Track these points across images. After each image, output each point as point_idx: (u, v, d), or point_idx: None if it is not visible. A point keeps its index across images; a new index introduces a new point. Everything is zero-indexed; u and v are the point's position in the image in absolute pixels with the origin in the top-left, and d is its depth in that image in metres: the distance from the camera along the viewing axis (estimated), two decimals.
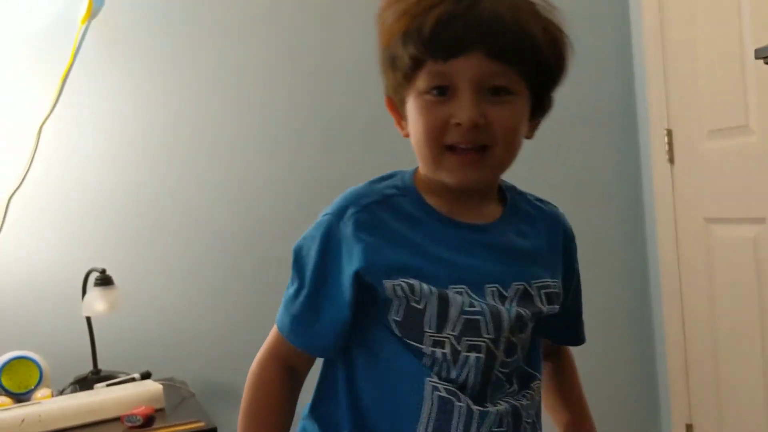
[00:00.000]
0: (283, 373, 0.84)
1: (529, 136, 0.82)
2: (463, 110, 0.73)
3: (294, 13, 1.92)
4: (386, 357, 0.79)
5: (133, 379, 1.62)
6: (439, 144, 0.76)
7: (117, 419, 1.44)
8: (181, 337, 1.84)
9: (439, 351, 0.77)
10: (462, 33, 0.72)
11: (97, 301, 1.62)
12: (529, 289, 0.80)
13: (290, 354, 0.83)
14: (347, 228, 0.78)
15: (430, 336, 0.77)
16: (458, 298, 0.77)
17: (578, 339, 0.93)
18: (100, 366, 1.68)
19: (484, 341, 0.77)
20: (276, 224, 1.89)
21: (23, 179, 1.76)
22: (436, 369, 0.78)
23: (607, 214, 2.12)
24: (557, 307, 0.82)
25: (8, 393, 1.59)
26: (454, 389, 0.78)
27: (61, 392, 1.63)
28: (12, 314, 1.74)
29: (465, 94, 0.74)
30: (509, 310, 0.78)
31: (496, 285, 0.78)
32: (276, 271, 1.87)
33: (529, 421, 0.82)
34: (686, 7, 1.89)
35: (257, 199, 1.90)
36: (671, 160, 1.98)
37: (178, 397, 1.62)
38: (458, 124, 0.74)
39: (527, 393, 0.82)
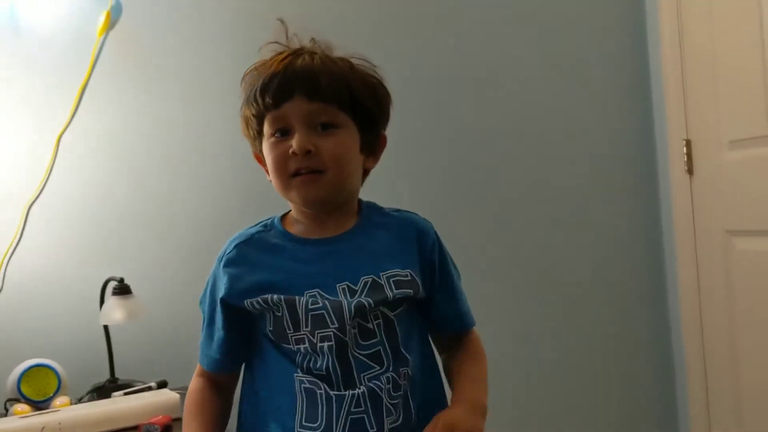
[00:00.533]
0: (204, 384, 1.08)
1: (369, 166, 1.02)
2: (296, 141, 0.93)
3: (312, 28, 1.91)
4: (268, 362, 0.99)
5: (149, 388, 1.63)
6: (285, 172, 0.96)
7: (135, 428, 1.45)
8: (196, 347, 1.83)
9: (301, 347, 0.95)
10: (284, 84, 0.94)
11: (115, 310, 1.63)
12: (377, 279, 0.96)
13: (205, 371, 1.08)
14: (219, 267, 1.02)
15: (292, 336, 0.95)
16: (303, 300, 0.95)
17: (459, 322, 1.05)
18: (116, 374, 1.69)
19: (331, 331, 0.94)
20: None
21: (42, 188, 1.78)
22: (305, 363, 0.95)
23: (624, 227, 2.10)
24: (409, 291, 0.96)
25: (27, 400, 1.60)
26: (315, 379, 0.94)
27: (80, 400, 1.64)
28: (30, 322, 1.75)
29: (298, 130, 0.94)
30: (350, 302, 0.94)
31: (346, 282, 0.96)
32: None
33: (394, 402, 0.95)
34: (706, 13, 1.87)
35: (277, 211, 1.90)
36: (690, 171, 1.95)
37: None
38: (295, 153, 0.94)
39: (392, 375, 0.95)
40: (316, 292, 0.95)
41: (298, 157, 0.94)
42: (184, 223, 1.86)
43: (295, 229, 1.02)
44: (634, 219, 2.10)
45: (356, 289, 0.96)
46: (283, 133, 0.96)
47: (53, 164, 1.78)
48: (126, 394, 1.58)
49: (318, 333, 0.95)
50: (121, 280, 1.65)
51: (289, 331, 0.96)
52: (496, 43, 2.02)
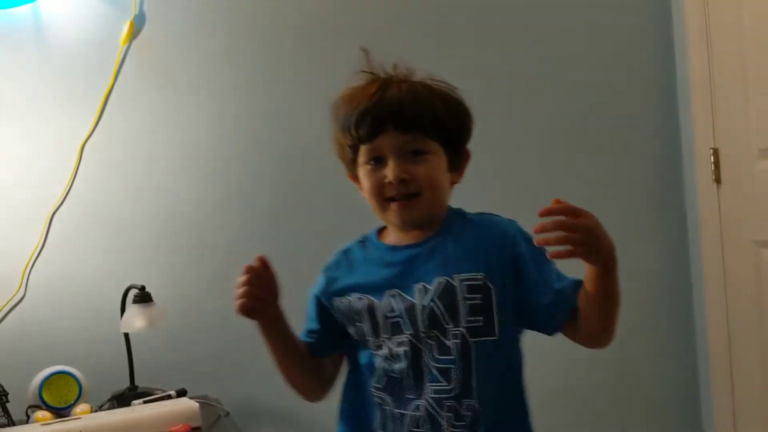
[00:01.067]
0: None
1: (456, 181, 1.09)
2: (391, 171, 1.02)
3: (336, 38, 1.92)
4: (355, 364, 1.10)
5: (169, 397, 1.63)
6: (381, 197, 1.05)
7: None
8: (215, 356, 1.84)
9: (380, 353, 1.04)
10: (377, 119, 1.02)
11: (135, 318, 1.63)
12: (451, 281, 1.01)
13: None
14: (322, 271, 1.15)
15: (372, 342, 1.05)
16: (382, 305, 1.04)
17: (547, 325, 1.05)
18: (136, 382, 1.70)
19: (406, 337, 1.02)
20: (316, 244, 1.88)
21: (65, 196, 1.79)
22: (383, 366, 1.04)
23: (650, 238, 2.06)
24: (479, 296, 1.01)
25: (48, 407, 1.61)
26: (384, 394, 1.04)
27: (100, 408, 1.65)
28: (52, 329, 1.77)
29: (392, 159, 1.03)
30: (423, 305, 1.02)
31: (422, 283, 1.03)
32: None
33: (455, 431, 1.00)
34: (734, 17, 1.83)
35: (297, 220, 1.90)
36: (718, 180, 1.91)
37: (213, 415, 1.62)
38: (390, 182, 1.03)
39: (455, 404, 1.00)
40: (395, 292, 1.04)
41: (393, 185, 1.03)
42: (206, 231, 1.86)
43: (387, 239, 1.11)
44: (659, 229, 2.06)
45: (430, 288, 1.02)
46: (377, 161, 1.05)
47: (76, 172, 1.80)
48: (146, 402, 1.58)
49: (395, 339, 1.03)
50: (142, 288, 1.65)
51: (369, 338, 1.06)
52: (523, 49, 2.00)
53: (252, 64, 1.89)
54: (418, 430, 1.02)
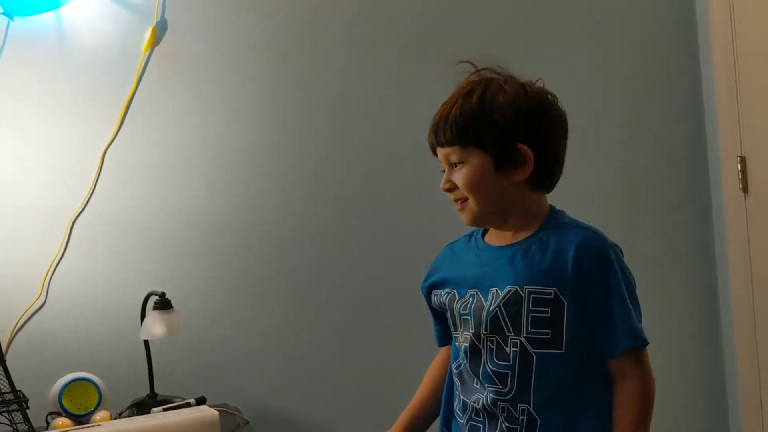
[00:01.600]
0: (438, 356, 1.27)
1: (520, 178, 1.09)
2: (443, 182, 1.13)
3: (354, 41, 1.92)
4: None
5: (188, 404, 1.62)
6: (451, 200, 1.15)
7: None
8: (235, 364, 1.83)
9: (455, 344, 1.13)
10: (430, 143, 1.13)
11: (155, 325, 1.62)
12: (520, 292, 1.05)
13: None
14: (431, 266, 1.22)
15: (453, 334, 1.14)
16: (460, 303, 1.11)
17: (611, 348, 1.05)
18: (156, 389, 1.69)
19: (468, 334, 1.09)
20: (336, 250, 1.89)
21: (86, 203, 1.80)
22: (456, 359, 1.13)
23: (676, 247, 2.03)
24: (547, 310, 1.04)
25: (68, 414, 1.61)
26: (456, 380, 1.14)
27: (120, 415, 1.64)
28: (72, 335, 1.77)
29: (445, 169, 1.12)
30: (489, 311, 1.07)
31: (496, 288, 1.07)
32: (336, 298, 1.90)
33: (511, 427, 1.05)
34: (760, 25, 1.81)
35: (318, 226, 1.89)
36: (745, 189, 1.88)
37: (232, 423, 1.61)
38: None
39: (509, 405, 1.05)
40: (475, 291, 1.10)
41: (449, 193, 1.13)
42: (227, 238, 1.85)
43: (488, 239, 1.16)
44: (685, 239, 2.03)
45: (500, 294, 1.07)
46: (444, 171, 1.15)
47: (98, 179, 1.80)
48: (165, 410, 1.58)
49: (463, 334, 1.11)
50: (162, 295, 1.65)
51: (451, 329, 1.15)
52: (546, 54, 1.97)
53: (273, 71, 1.88)
54: (478, 419, 1.09)
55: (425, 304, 1.21)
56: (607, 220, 1.97)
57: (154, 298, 1.66)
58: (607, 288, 1.04)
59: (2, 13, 1.70)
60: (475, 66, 1.12)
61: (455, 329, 1.13)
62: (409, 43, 1.94)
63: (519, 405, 1.04)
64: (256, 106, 1.88)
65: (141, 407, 1.64)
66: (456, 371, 1.14)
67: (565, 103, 1.99)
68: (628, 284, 1.06)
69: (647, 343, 1.05)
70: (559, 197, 1.93)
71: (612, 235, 2.08)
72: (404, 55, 1.94)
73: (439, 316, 1.19)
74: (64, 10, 1.78)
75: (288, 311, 1.88)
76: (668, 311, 1.99)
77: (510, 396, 1.05)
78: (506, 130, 1.07)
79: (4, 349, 1.60)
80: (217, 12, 1.87)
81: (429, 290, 1.18)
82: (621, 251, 1.09)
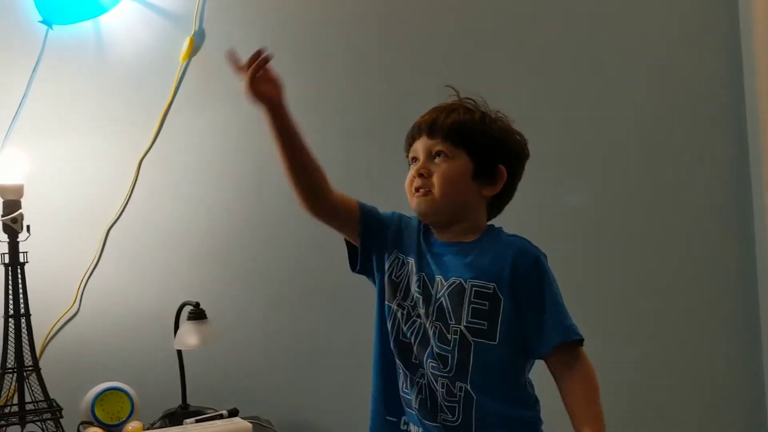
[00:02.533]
0: None
1: (488, 194, 1.20)
2: (416, 166, 1.19)
3: (393, 52, 1.91)
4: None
5: (221, 416, 1.60)
6: (410, 191, 1.20)
7: None
8: (268, 376, 1.81)
9: (398, 312, 1.18)
10: (414, 129, 1.21)
11: (189, 335, 1.61)
12: (463, 284, 1.14)
13: None
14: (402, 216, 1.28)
15: (397, 301, 1.19)
16: (414, 279, 1.18)
17: (544, 344, 1.14)
18: (188, 400, 1.67)
19: (418, 316, 1.16)
20: None
21: (122, 211, 1.79)
22: (399, 327, 1.18)
23: (717, 242, 2.00)
24: (485, 303, 1.13)
25: (100, 424, 1.60)
26: (396, 359, 1.19)
27: (152, 425, 1.63)
28: (105, 344, 1.76)
29: (420, 158, 1.19)
30: (437, 298, 1.15)
31: (440, 276, 1.16)
32: (372, 313, 1.87)
33: (449, 405, 1.12)
34: None
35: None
36: None
37: None
38: (413, 176, 1.20)
39: (447, 382, 1.12)
40: (422, 275, 1.18)
41: (418, 178, 1.18)
42: (263, 250, 1.84)
43: (436, 235, 1.22)
44: (727, 235, 2.00)
45: (445, 284, 1.16)
46: (414, 161, 1.21)
47: (133, 188, 1.80)
48: (198, 421, 1.55)
49: (415, 311, 1.17)
50: (197, 305, 1.63)
51: (398, 294, 1.19)
52: (592, 64, 1.97)
53: (311, 82, 1.88)
54: (421, 396, 1.15)
55: (386, 219, 1.24)
56: (651, 219, 2.01)
57: (188, 308, 1.64)
58: (541, 291, 1.15)
59: (42, 22, 1.72)
60: (457, 93, 1.22)
61: (404, 299, 1.18)
62: (439, 60, 1.94)
63: (457, 383, 1.12)
64: (294, 115, 1.87)
65: (173, 418, 1.62)
66: (395, 344, 1.18)
67: (610, 105, 2.01)
68: (558, 289, 1.16)
69: (581, 338, 1.13)
70: (603, 194, 1.94)
71: (652, 233, 2.08)
72: (434, 72, 1.93)
73: (379, 243, 1.23)
74: (103, 19, 1.79)
75: (323, 326, 1.85)
76: (709, 304, 1.97)
77: (449, 375, 1.13)
78: (496, 148, 1.18)
79: (37, 356, 1.60)
80: (254, 22, 1.87)
81: (397, 250, 1.22)
82: (547, 259, 1.18)
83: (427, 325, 1.15)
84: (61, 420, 1.57)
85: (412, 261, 1.19)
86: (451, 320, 1.14)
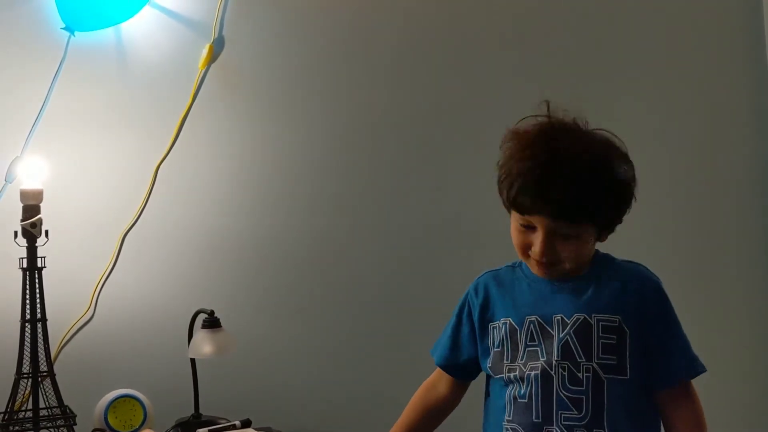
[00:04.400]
0: None
1: (602, 239, 1.12)
2: (538, 248, 1.08)
3: (411, 60, 1.91)
4: (490, 393, 1.18)
5: (233, 426, 1.59)
6: (526, 255, 1.12)
7: None
8: (281, 387, 1.80)
9: (512, 375, 1.10)
10: (531, 203, 1.06)
11: (203, 344, 1.60)
12: (588, 319, 1.08)
13: None
14: (474, 296, 1.20)
15: (507, 366, 1.11)
16: (523, 331, 1.10)
17: (668, 377, 1.10)
18: (201, 410, 1.66)
19: (539, 363, 1.08)
20: (387, 272, 1.86)
21: (137, 217, 1.79)
22: (513, 391, 1.10)
23: (742, 241, 2.01)
24: (614, 337, 1.07)
25: (113, 431, 1.59)
26: (514, 426, 1.09)
27: None
28: (119, 351, 1.75)
29: (540, 235, 1.07)
30: (560, 338, 1.08)
31: (561, 314, 1.09)
32: (390, 324, 1.86)
33: None
34: None
35: (368, 247, 1.87)
36: None
37: None
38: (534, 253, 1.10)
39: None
40: (534, 318, 1.10)
41: (544, 257, 1.09)
42: (278, 258, 1.83)
43: (535, 270, 1.15)
44: (751, 235, 2.01)
45: (568, 322, 1.09)
46: (527, 227, 1.10)
47: (150, 193, 1.80)
48: (210, 431, 1.54)
49: (530, 364, 1.09)
50: (212, 313, 1.62)
51: (504, 362, 1.12)
52: (613, 77, 1.98)
53: (329, 90, 1.88)
54: None
55: (463, 336, 1.18)
56: (674, 226, 2.00)
57: (202, 316, 1.64)
58: (666, 321, 1.10)
59: (63, 28, 1.72)
60: (548, 114, 1.10)
61: (512, 361, 1.11)
62: (463, 69, 1.93)
63: (595, 429, 1.06)
64: (310, 125, 1.87)
65: (186, 427, 1.61)
66: (510, 419, 1.10)
67: (658, 118, 2.01)
68: (678, 318, 1.11)
69: (705, 370, 1.10)
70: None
71: (672, 241, 2.01)
72: (458, 80, 1.92)
73: (472, 351, 1.18)
74: (124, 26, 1.79)
75: (339, 337, 1.84)
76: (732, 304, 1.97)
77: (585, 421, 1.06)
78: (620, 211, 1.10)
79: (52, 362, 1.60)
80: (273, 30, 1.87)
81: (485, 323, 1.16)
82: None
83: (551, 371, 1.07)
84: (74, 426, 1.57)
85: (509, 319, 1.12)
86: (581, 358, 1.07)
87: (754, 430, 1.99)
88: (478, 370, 1.20)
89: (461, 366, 1.20)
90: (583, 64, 1.99)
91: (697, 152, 2.03)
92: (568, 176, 1.04)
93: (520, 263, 1.17)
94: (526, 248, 1.10)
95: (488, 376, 1.17)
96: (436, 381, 1.25)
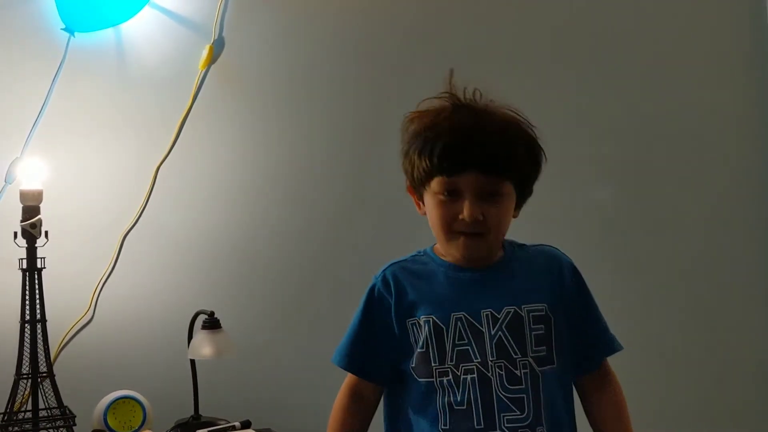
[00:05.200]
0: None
1: (515, 215, 1.08)
2: (468, 210, 1.02)
3: (411, 64, 1.91)
4: (413, 395, 1.07)
5: (233, 428, 1.59)
6: (450, 230, 1.05)
7: None
8: (281, 388, 1.80)
9: (444, 379, 1.03)
10: (461, 159, 1.01)
11: (203, 345, 1.60)
12: (519, 311, 1.03)
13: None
14: (381, 289, 1.10)
15: (436, 369, 1.03)
16: (450, 331, 1.03)
17: (593, 359, 1.09)
18: (200, 411, 1.66)
19: (474, 365, 1.02)
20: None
21: (137, 218, 1.79)
22: (446, 398, 1.02)
23: (739, 242, 2.01)
24: (542, 326, 1.03)
25: None
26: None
27: None
28: (119, 352, 1.75)
29: (468, 198, 1.02)
30: (492, 335, 1.02)
31: (490, 309, 1.03)
32: None
33: None
34: None
35: (369, 248, 1.86)
36: None
37: None
38: (463, 219, 1.03)
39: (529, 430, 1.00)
40: (462, 315, 1.04)
41: (465, 222, 1.03)
42: (278, 259, 1.83)
43: (448, 259, 1.09)
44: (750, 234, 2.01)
45: (499, 317, 1.04)
46: (451, 194, 1.04)
47: (150, 194, 1.79)
48: None
49: (462, 366, 1.02)
50: (212, 314, 1.62)
51: (432, 365, 1.04)
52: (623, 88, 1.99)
53: (329, 91, 1.87)
54: None
55: (373, 331, 1.08)
56: (682, 225, 2.00)
57: (202, 317, 1.64)
58: (585, 301, 1.09)
59: (64, 29, 1.72)
60: (449, 82, 1.08)
61: (441, 363, 1.03)
62: (465, 70, 1.92)
63: (537, 428, 1.02)
64: (310, 125, 1.87)
65: (185, 428, 1.61)
66: (447, 428, 1.01)
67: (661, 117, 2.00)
68: (594, 298, 1.10)
69: (622, 348, 1.09)
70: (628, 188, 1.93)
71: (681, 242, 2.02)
72: (461, 81, 1.91)
73: (387, 349, 1.07)
74: (124, 27, 1.79)
75: (340, 338, 1.83)
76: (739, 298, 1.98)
77: (529, 421, 1.01)
78: (538, 173, 1.07)
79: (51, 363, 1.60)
80: (273, 32, 1.87)
81: (402, 318, 1.06)
82: None
83: (488, 373, 1.01)
84: (73, 427, 1.57)
85: (432, 317, 1.04)
86: (516, 354, 1.02)
87: (754, 429, 1.99)
88: (394, 370, 1.09)
89: (382, 369, 1.09)
90: (583, 63, 1.99)
91: (696, 152, 2.02)
92: (492, 130, 1.02)
93: (425, 251, 1.11)
94: (451, 221, 1.03)
95: (403, 377, 1.07)
96: (359, 389, 1.12)
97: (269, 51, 1.87)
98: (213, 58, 1.83)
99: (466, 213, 1.01)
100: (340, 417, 1.13)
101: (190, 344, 1.62)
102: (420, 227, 1.88)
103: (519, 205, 1.08)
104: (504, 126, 1.04)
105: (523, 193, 1.07)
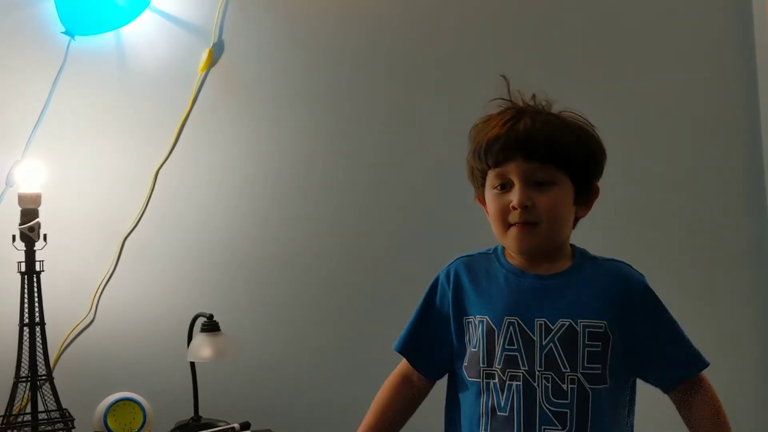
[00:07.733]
0: None
1: (581, 215, 1.09)
2: (516, 196, 1.03)
3: (408, 69, 1.92)
4: (464, 393, 1.08)
5: (233, 429, 1.59)
6: (504, 222, 1.06)
7: None
8: (281, 390, 1.80)
9: (491, 382, 1.03)
10: (505, 148, 1.04)
11: (202, 347, 1.60)
12: (574, 326, 1.02)
13: None
14: (445, 282, 1.12)
15: (483, 370, 1.04)
16: (502, 333, 1.03)
17: (683, 374, 1.07)
18: (200, 412, 1.66)
19: (521, 372, 1.02)
20: (389, 275, 1.86)
21: (138, 221, 1.80)
22: (491, 401, 1.02)
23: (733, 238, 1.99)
24: (598, 344, 1.01)
25: None
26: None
27: None
28: (119, 354, 1.75)
29: (518, 186, 1.04)
30: (543, 347, 1.01)
31: (545, 319, 1.02)
32: (389, 325, 1.85)
33: None
34: None
35: (369, 250, 1.87)
36: None
37: None
38: (514, 207, 1.04)
39: None
40: (515, 320, 1.03)
41: (516, 211, 1.04)
42: (278, 262, 1.83)
43: (513, 262, 1.10)
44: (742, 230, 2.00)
45: (552, 328, 1.03)
46: (503, 187, 1.06)
47: (150, 197, 1.80)
48: None
49: (509, 371, 1.02)
50: (211, 317, 1.62)
51: (481, 366, 1.04)
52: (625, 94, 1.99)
53: (329, 95, 1.88)
54: None
55: (444, 326, 1.09)
56: (672, 223, 1.99)
57: (201, 320, 1.64)
58: (661, 321, 1.06)
59: (64, 33, 1.73)
60: (507, 87, 1.11)
61: (489, 365, 1.03)
62: (464, 72, 1.93)
63: None
64: (310, 129, 1.87)
65: (185, 430, 1.61)
66: (488, 415, 1.02)
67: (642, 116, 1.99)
68: (672, 315, 1.07)
69: (708, 364, 1.07)
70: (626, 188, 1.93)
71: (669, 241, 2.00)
72: (458, 84, 1.92)
73: (445, 345, 1.09)
74: (124, 31, 1.80)
75: (339, 340, 1.84)
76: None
77: None
78: (593, 164, 1.07)
79: (51, 366, 1.60)
80: (272, 35, 1.88)
81: (460, 316, 1.07)
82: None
83: (534, 383, 1.01)
84: (72, 430, 1.57)
85: (486, 318, 1.04)
86: (565, 368, 1.01)
87: (754, 429, 1.98)
88: (447, 367, 1.11)
89: (433, 363, 1.12)
90: (582, 64, 1.99)
91: (695, 152, 2.01)
92: (539, 120, 1.05)
93: (495, 249, 1.12)
94: (505, 212, 1.04)
95: (456, 376, 1.09)
96: (409, 373, 1.15)
97: (268, 54, 1.88)
98: (212, 61, 1.84)
99: (514, 200, 1.03)
100: (385, 393, 1.15)
101: (190, 346, 1.63)
102: (420, 228, 1.91)
103: (583, 203, 1.08)
104: (554, 117, 1.07)
105: (583, 188, 1.06)
